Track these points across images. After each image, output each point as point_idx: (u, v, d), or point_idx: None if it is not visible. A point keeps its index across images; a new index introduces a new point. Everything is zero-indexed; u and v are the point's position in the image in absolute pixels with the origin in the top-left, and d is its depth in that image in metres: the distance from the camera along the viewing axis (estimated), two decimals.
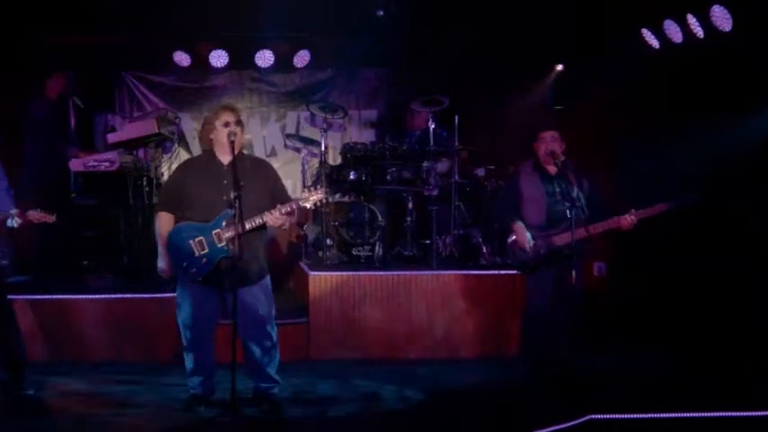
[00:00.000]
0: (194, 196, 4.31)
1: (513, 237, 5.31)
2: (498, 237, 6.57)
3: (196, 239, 4.29)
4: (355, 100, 8.75)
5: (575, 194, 5.18)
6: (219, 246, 4.23)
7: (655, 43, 6.98)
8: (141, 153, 7.34)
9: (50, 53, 7.39)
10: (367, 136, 8.74)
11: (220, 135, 4.33)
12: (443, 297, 6.14)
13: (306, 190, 4.29)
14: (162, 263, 4.42)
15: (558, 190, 5.26)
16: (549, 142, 5.28)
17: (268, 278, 4.50)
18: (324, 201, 4.27)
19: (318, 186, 4.24)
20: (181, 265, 4.35)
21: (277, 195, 4.40)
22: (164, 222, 4.42)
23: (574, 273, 4.99)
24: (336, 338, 6.01)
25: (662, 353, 6.03)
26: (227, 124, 4.32)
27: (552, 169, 5.33)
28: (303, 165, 7.91)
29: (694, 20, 6.38)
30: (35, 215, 4.66)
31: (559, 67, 8.60)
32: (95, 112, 8.32)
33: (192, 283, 4.35)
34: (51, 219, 4.73)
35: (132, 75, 8.63)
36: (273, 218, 4.20)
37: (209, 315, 4.46)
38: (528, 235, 5.15)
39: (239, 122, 4.37)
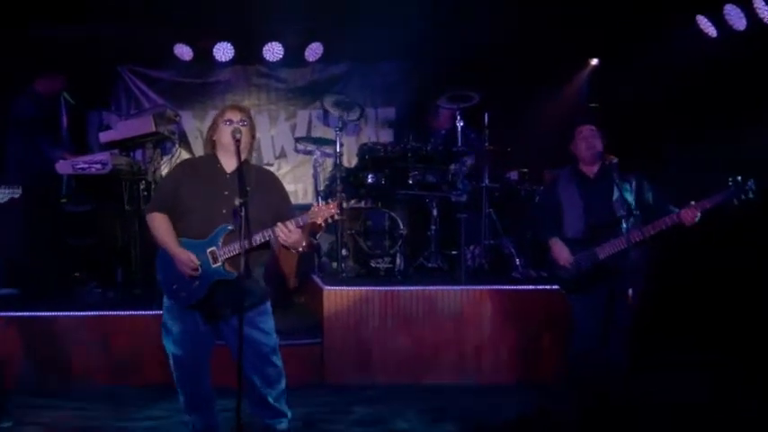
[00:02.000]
0: (189, 205, 3.93)
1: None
2: (533, 247, 6.38)
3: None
4: (372, 97, 8.52)
5: (616, 197, 4.82)
6: (214, 267, 3.85)
7: (712, 31, 6.59)
8: (139, 155, 7.17)
9: (37, 45, 7.19)
10: (384, 136, 8.62)
11: (223, 135, 3.98)
12: (473, 315, 5.91)
13: (316, 204, 3.88)
14: (183, 258, 3.89)
15: (598, 196, 4.92)
16: (589, 138, 4.92)
17: (269, 304, 4.13)
18: (336, 216, 3.86)
19: (331, 200, 3.85)
20: (170, 288, 3.99)
21: (281, 215, 3.93)
22: (161, 222, 3.98)
23: (630, 291, 4.58)
24: (354, 361, 5.80)
25: (713, 369, 5.83)
26: (229, 122, 3.97)
27: (591, 171, 4.98)
28: (315, 167, 7.69)
29: (762, 2, 6.02)
30: None
31: (594, 62, 8.42)
32: (89, 110, 8.16)
33: (180, 306, 3.99)
34: (17, 192, 4.49)
35: (129, 69, 8.46)
36: (286, 232, 3.76)
37: (204, 345, 4.10)
38: (566, 251, 4.83)
39: (245, 122, 4.00)
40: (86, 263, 6.78)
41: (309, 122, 8.69)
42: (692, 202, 4.63)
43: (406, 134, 7.02)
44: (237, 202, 3.66)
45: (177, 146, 7.32)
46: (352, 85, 8.48)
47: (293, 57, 8.34)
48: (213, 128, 4.08)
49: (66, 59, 7.32)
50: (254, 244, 3.79)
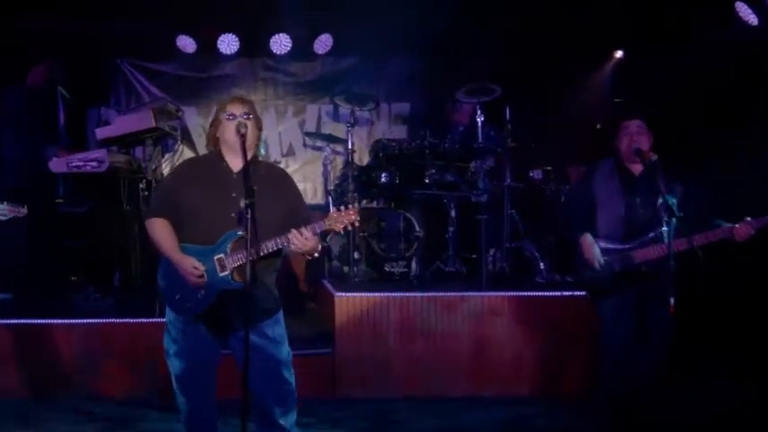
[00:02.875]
0: (194, 209, 3.71)
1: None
2: (557, 251, 6.27)
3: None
4: (385, 91, 8.33)
5: (661, 199, 4.57)
6: (222, 275, 3.63)
7: (753, 19, 6.36)
8: (140, 152, 6.95)
9: (32, 37, 7.08)
10: (398, 132, 8.46)
11: (226, 131, 3.74)
12: (494, 323, 5.75)
13: (335, 210, 3.64)
14: (187, 267, 3.67)
15: (641, 195, 4.71)
16: (635, 134, 4.70)
17: (281, 313, 3.90)
18: (356, 223, 3.65)
19: (351, 206, 3.65)
20: (173, 298, 3.77)
21: (294, 219, 3.71)
22: (161, 228, 3.76)
23: (672, 299, 4.39)
24: (367, 373, 5.64)
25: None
26: (231, 116, 3.73)
27: (636, 169, 4.77)
28: (325, 165, 7.58)
29: None
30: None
31: (619, 54, 8.23)
32: (88, 105, 8.05)
33: (185, 319, 3.77)
34: (22, 212, 4.32)
35: (129, 63, 8.34)
36: (302, 240, 3.54)
37: (210, 360, 3.87)
38: (597, 250, 4.64)
39: (249, 115, 3.77)
40: (83, 266, 6.69)
41: (319, 118, 8.56)
42: (748, 218, 4.46)
43: (422, 130, 6.84)
44: (243, 203, 3.43)
45: (179, 143, 7.17)
46: (363, 79, 8.29)
47: (302, 49, 8.22)
48: (215, 124, 3.84)
49: (63, 53, 7.32)
50: (265, 252, 3.58)
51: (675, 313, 4.51)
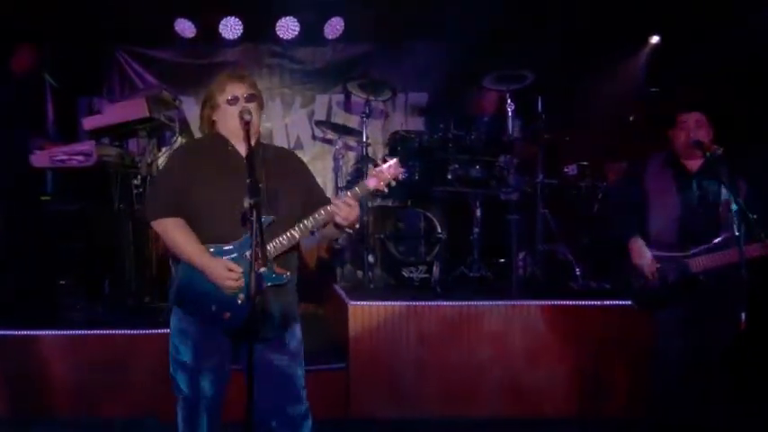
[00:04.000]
0: (206, 200, 3.37)
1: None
2: (593, 254, 6.15)
3: None
4: (401, 81, 8.02)
5: (724, 199, 4.37)
6: (263, 271, 3.25)
7: None
8: (135, 146, 6.84)
9: (17, 20, 6.86)
10: (414, 125, 8.27)
11: (228, 118, 3.45)
12: (526, 335, 5.54)
13: (373, 167, 3.44)
14: (221, 274, 3.36)
15: (699, 194, 4.47)
16: (693, 128, 4.47)
17: (299, 324, 3.63)
18: (401, 176, 3.45)
19: (388, 157, 3.54)
20: (207, 311, 3.40)
21: (314, 197, 3.57)
22: (175, 229, 3.41)
23: (743, 314, 4.04)
24: (385, 390, 5.45)
25: None
26: (234, 100, 3.43)
27: (693, 165, 4.54)
28: (337, 159, 7.39)
29: None
30: None
31: (655, 39, 8.01)
32: (78, 95, 7.97)
33: (208, 330, 3.43)
34: None
35: (123, 49, 8.22)
36: (345, 209, 3.33)
37: (225, 379, 3.57)
38: (649, 256, 4.46)
39: (253, 96, 3.48)
40: (72, 270, 6.35)
41: (329, 109, 8.40)
42: None
43: (441, 122, 6.63)
44: (247, 203, 3.10)
45: (177, 135, 6.89)
46: (377, 67, 8.12)
47: (310, 34, 8.10)
48: (212, 106, 3.52)
49: (51, 37, 7.13)
50: (302, 233, 3.39)
51: (745, 329, 4.17)
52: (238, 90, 3.45)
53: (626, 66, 8.07)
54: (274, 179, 3.40)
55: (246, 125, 3.34)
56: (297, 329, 3.58)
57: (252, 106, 3.42)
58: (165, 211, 3.43)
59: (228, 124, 3.46)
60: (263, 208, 3.19)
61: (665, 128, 4.67)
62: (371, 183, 3.38)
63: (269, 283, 3.33)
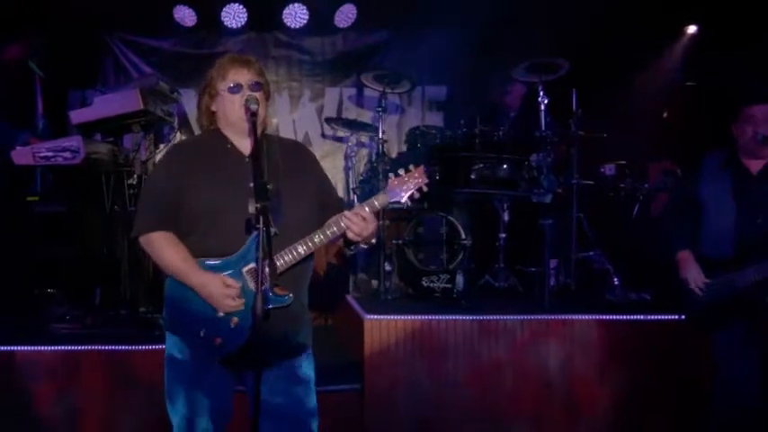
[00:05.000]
0: (203, 208, 3.06)
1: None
2: (632, 261, 6.00)
3: None
4: (417, 72, 7.81)
5: None
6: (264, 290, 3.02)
7: None
8: (130, 142, 6.57)
9: (2, 5, 6.77)
10: (432, 119, 8.34)
11: (230, 108, 3.14)
12: (559, 354, 5.29)
13: (394, 176, 3.16)
14: (217, 294, 3.06)
15: (759, 199, 4.26)
16: (761, 123, 4.24)
17: (310, 349, 3.36)
18: (425, 188, 3.20)
19: (412, 166, 3.19)
20: (195, 335, 3.09)
21: (330, 202, 3.29)
22: (164, 244, 3.10)
23: None
24: (404, 415, 5.19)
25: None
26: (236, 87, 3.12)
27: (756, 165, 4.32)
28: (349, 158, 7.37)
29: None
30: None
31: (692, 29, 7.90)
32: (70, 87, 7.87)
33: (207, 362, 3.12)
34: None
35: (119, 39, 8.15)
36: (361, 224, 3.06)
37: (228, 410, 3.28)
38: (695, 269, 4.32)
39: (259, 83, 3.16)
40: (61, 277, 6.29)
41: (340, 103, 8.34)
42: None
43: (463, 117, 6.46)
44: (252, 208, 2.78)
45: (176, 131, 6.86)
46: (392, 58, 8.07)
47: (320, 22, 8.08)
48: (211, 95, 3.21)
49: (41, 24, 7.05)
50: (310, 249, 3.10)
51: None
52: (242, 77, 3.14)
53: (663, 57, 7.98)
54: (280, 179, 3.08)
55: (252, 117, 3.03)
56: (309, 355, 3.29)
57: (258, 95, 3.11)
58: (152, 225, 3.12)
59: (230, 115, 3.14)
60: (271, 214, 2.89)
61: (727, 123, 4.45)
62: (392, 195, 3.12)
63: (270, 305, 2.99)
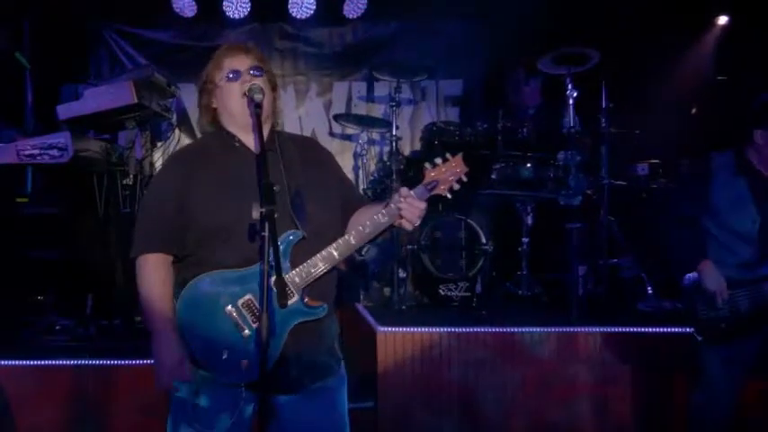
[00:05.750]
0: (215, 219, 2.81)
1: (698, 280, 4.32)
2: (665, 268, 5.68)
3: (240, 301, 2.79)
4: (432, 66, 7.70)
5: None
6: (291, 304, 2.82)
7: None
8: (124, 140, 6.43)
9: None
10: (447, 115, 8.19)
11: (229, 98, 2.89)
12: (590, 370, 5.11)
13: (430, 166, 2.89)
14: (167, 361, 2.85)
15: None
16: None
17: (343, 367, 3.12)
18: (464, 178, 2.95)
19: (449, 154, 2.93)
20: (215, 359, 2.80)
21: (352, 201, 3.06)
22: (155, 275, 2.88)
23: None
24: None
25: None
26: (234, 75, 2.87)
27: None
28: (360, 156, 7.24)
29: None
30: None
31: (723, 20, 7.73)
32: (62, 81, 7.23)
33: (215, 387, 2.85)
34: None
35: (115, 30, 8.02)
36: (412, 208, 2.82)
37: None
38: (723, 281, 4.14)
39: (262, 71, 2.93)
40: (52, 283, 6.22)
41: (349, 98, 8.23)
42: None
43: (480, 112, 6.73)
44: (256, 213, 2.55)
45: (175, 128, 6.71)
46: (404, 50, 7.92)
47: (328, 13, 7.98)
48: (210, 90, 2.96)
49: (30, 14, 7.03)
50: (345, 250, 2.85)
51: None
52: (240, 62, 2.89)
53: (693, 49, 7.80)
54: (298, 179, 2.84)
55: (256, 107, 2.77)
56: (342, 378, 3.03)
57: (260, 82, 2.85)
58: (149, 245, 2.87)
59: (231, 108, 2.88)
60: (286, 219, 2.69)
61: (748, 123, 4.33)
62: (430, 187, 2.85)
63: (300, 320, 2.77)
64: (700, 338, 4.33)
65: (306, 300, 2.76)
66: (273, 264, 2.54)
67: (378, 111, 7.77)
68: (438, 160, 2.87)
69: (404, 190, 2.80)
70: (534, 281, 6.12)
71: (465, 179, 2.90)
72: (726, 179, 4.29)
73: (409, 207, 2.77)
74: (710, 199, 4.29)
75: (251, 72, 2.86)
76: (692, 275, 4.33)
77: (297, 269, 2.75)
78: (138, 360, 4.87)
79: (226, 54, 2.91)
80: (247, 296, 2.75)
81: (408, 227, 2.83)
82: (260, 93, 2.76)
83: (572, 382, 5.07)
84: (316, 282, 2.79)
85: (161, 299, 2.81)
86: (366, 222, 2.80)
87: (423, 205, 2.83)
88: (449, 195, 2.88)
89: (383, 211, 2.79)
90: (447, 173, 2.84)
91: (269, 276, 2.67)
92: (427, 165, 2.85)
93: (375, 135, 7.55)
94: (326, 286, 2.88)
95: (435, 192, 2.86)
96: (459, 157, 2.88)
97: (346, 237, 2.80)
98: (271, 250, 2.55)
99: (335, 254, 2.77)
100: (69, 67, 7.60)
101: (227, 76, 2.85)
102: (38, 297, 6.19)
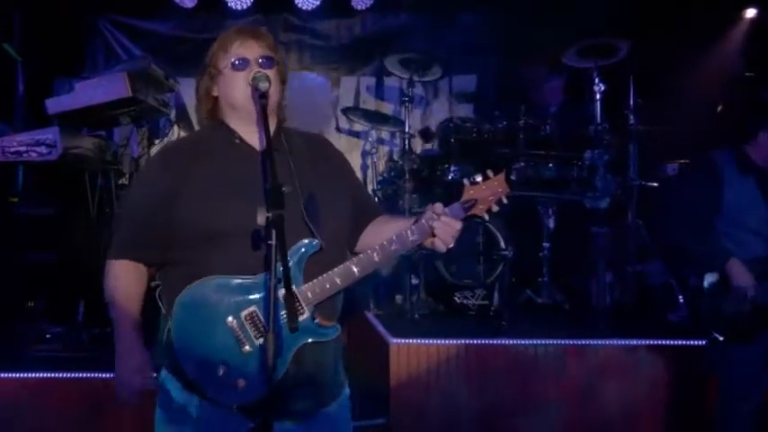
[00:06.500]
0: (204, 223, 2.57)
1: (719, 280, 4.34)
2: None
3: (244, 313, 2.56)
4: (441, 61, 7.55)
5: None
6: (302, 321, 2.62)
7: None
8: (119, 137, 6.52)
9: None
10: (460, 112, 7.97)
11: (232, 88, 2.66)
12: (619, 387, 4.90)
13: (469, 182, 2.72)
14: (127, 378, 2.65)
15: None
16: None
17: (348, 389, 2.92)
18: (505, 200, 2.77)
19: (490, 171, 2.74)
20: (209, 373, 2.56)
21: (364, 208, 2.86)
22: (122, 279, 2.67)
23: None
24: None
25: None
26: (241, 62, 2.63)
27: None
28: (370, 155, 7.12)
29: None
30: None
31: (751, 13, 7.51)
32: (55, 74, 7.33)
33: (208, 407, 2.61)
34: None
35: (110, 21, 7.87)
36: (445, 228, 2.65)
37: None
38: (749, 275, 4.18)
39: (273, 61, 2.69)
40: (44, 288, 6.13)
41: (357, 93, 8.05)
42: None
43: (501, 109, 6.28)
44: (261, 218, 2.31)
45: (173, 124, 6.73)
46: (415, 44, 7.65)
47: (335, 3, 7.90)
48: (211, 75, 2.72)
49: (22, 5, 6.93)
50: (368, 267, 2.66)
51: None
52: (250, 50, 2.64)
53: (720, 43, 7.59)
54: (310, 180, 2.61)
55: (261, 97, 2.53)
56: (345, 401, 2.83)
57: (270, 73, 2.60)
58: (120, 252, 2.66)
59: (235, 98, 2.63)
60: (298, 225, 2.48)
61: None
62: (466, 206, 2.68)
63: (308, 340, 2.55)
64: (721, 338, 4.28)
65: (317, 319, 2.54)
66: (282, 276, 2.28)
67: (387, 107, 7.65)
68: (478, 177, 2.70)
69: (438, 206, 2.63)
70: (555, 288, 5.99)
71: (506, 201, 2.72)
72: (732, 177, 4.33)
73: (444, 226, 2.59)
74: (723, 199, 4.29)
75: (260, 61, 2.62)
76: (712, 276, 4.31)
77: (310, 283, 2.52)
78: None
79: (234, 38, 2.68)
80: (251, 308, 2.51)
81: (442, 248, 2.65)
82: (265, 81, 2.51)
83: (599, 400, 4.87)
84: (328, 298, 2.58)
85: (126, 298, 2.62)
86: (393, 238, 2.60)
87: (459, 225, 2.66)
88: (486, 217, 2.71)
89: (413, 227, 2.61)
90: (487, 191, 2.66)
91: (276, 290, 2.44)
92: (466, 181, 2.68)
93: (384, 133, 7.47)
94: (338, 302, 2.68)
95: (472, 212, 2.68)
96: (502, 176, 2.70)
97: (369, 252, 2.59)
98: (279, 261, 2.30)
99: (356, 270, 2.56)
100: (63, 59, 7.52)
101: (233, 64, 2.61)
102: (29, 303, 6.10)
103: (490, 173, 2.71)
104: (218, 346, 2.50)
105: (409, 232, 2.62)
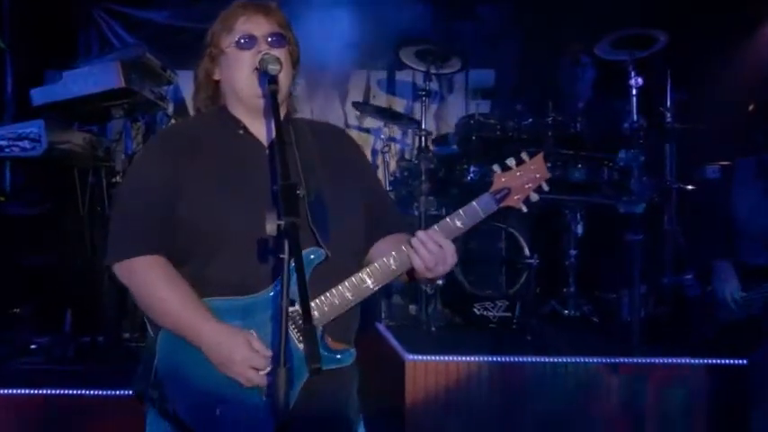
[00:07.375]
0: (201, 223, 2.28)
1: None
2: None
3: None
4: (460, 53, 7.36)
5: None
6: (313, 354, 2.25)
7: None
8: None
9: None
10: (477, 109, 7.50)
11: (236, 70, 2.38)
12: (656, 408, 4.72)
13: (499, 168, 2.42)
14: (248, 378, 2.25)
15: None
16: None
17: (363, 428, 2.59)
18: (545, 186, 2.50)
19: (525, 152, 2.46)
20: (205, 414, 2.24)
21: (379, 206, 2.55)
22: (153, 275, 2.28)
23: None
24: None
25: None
26: (247, 40, 2.35)
27: None
28: (382, 154, 6.97)
29: None
30: None
31: None
32: (47, 65, 7.19)
33: None
34: None
35: (104, 9, 7.68)
36: (433, 258, 2.29)
37: None
38: (733, 279, 4.44)
39: (284, 40, 2.40)
40: (32, 293, 6.03)
41: (367, 88, 7.89)
42: None
43: (517, 104, 6.15)
44: (271, 226, 1.97)
45: (171, 119, 6.42)
46: (430, 36, 7.37)
47: None
48: (213, 55, 2.44)
49: None
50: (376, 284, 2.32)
51: None
52: (257, 26, 2.35)
53: (745, 47, 7.46)
54: (318, 178, 2.31)
55: (271, 82, 2.23)
56: (360, 426, 2.54)
57: (280, 53, 2.31)
58: (136, 247, 2.29)
59: (238, 83, 2.35)
60: (304, 232, 2.11)
61: None
62: (502, 196, 2.34)
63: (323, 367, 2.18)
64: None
65: (328, 341, 2.23)
66: (297, 298, 1.94)
67: (399, 103, 7.50)
68: (511, 161, 2.36)
69: (429, 233, 2.29)
70: (583, 300, 5.82)
71: (546, 188, 2.40)
72: (745, 181, 4.52)
73: (420, 254, 2.26)
74: (732, 204, 4.50)
75: (269, 39, 2.33)
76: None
77: (317, 300, 2.21)
78: (123, 390, 4.33)
79: (239, 12, 2.38)
80: (252, 332, 2.21)
81: (427, 275, 2.31)
82: (276, 63, 2.21)
83: (633, 422, 4.68)
84: (339, 316, 2.26)
85: (186, 302, 2.24)
86: (386, 260, 2.30)
87: (445, 248, 2.29)
88: (524, 208, 2.38)
89: (398, 253, 2.28)
90: (523, 178, 2.35)
91: (273, 308, 2.20)
92: (496, 167, 2.34)
93: (395, 132, 7.32)
94: (353, 321, 2.36)
95: (506, 203, 2.35)
96: (540, 157, 2.39)
97: (385, 260, 2.27)
98: (283, 279, 1.95)
99: (370, 283, 2.24)
100: (55, 50, 7.37)
101: (238, 42, 2.32)
102: (14, 310, 5.95)
103: (525, 155, 2.41)
104: (212, 385, 2.20)
105: (392, 257, 2.32)
